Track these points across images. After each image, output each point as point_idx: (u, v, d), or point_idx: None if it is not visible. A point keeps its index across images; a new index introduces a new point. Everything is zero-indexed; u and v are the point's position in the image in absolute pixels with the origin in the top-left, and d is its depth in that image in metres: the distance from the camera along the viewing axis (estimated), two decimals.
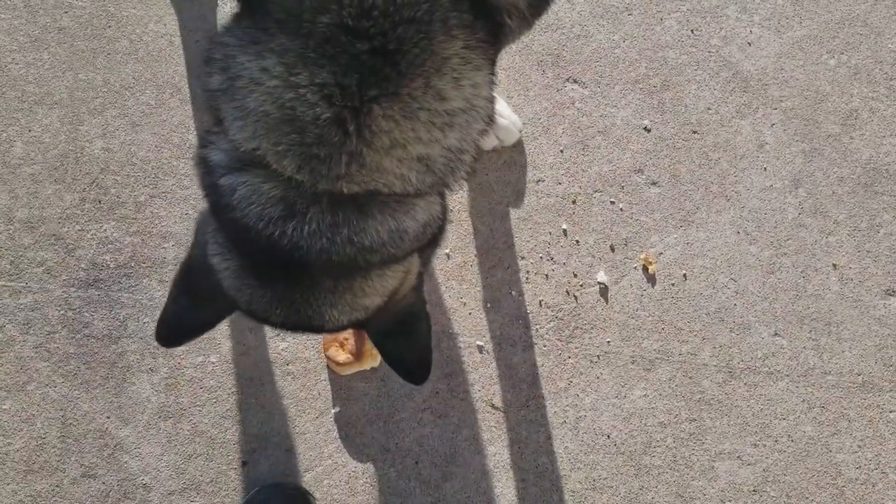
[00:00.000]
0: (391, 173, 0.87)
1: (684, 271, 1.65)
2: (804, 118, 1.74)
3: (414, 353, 1.08)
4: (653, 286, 1.64)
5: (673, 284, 1.64)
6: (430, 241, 1.01)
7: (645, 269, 1.64)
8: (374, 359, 1.52)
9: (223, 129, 0.89)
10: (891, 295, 1.67)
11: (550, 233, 1.65)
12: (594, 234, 1.66)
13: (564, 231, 1.65)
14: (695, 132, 1.72)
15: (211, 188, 0.93)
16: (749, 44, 1.76)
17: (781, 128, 1.73)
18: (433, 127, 0.86)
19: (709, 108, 1.73)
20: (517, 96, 1.71)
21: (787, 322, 1.63)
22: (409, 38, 0.81)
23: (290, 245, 0.88)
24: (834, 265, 1.67)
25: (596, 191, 1.68)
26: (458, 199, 1.65)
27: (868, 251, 1.68)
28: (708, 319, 1.63)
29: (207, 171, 0.93)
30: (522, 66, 1.72)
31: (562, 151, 1.69)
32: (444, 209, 1.03)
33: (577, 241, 1.65)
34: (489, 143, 1.61)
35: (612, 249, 1.65)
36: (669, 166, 1.70)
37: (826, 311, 1.64)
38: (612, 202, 1.68)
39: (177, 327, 1.06)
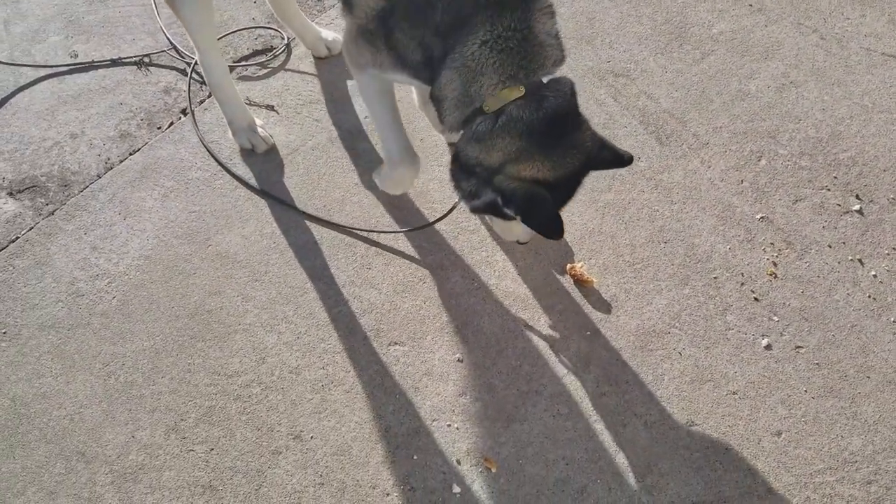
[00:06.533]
0: None
1: (521, 461, 1.97)
2: (576, 312, 2.19)
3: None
4: (499, 482, 1.95)
5: (515, 474, 1.96)
6: None
7: (489, 470, 1.96)
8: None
9: None
10: (693, 425, 2.01)
11: (406, 466, 1.98)
12: (441, 455, 1.99)
13: (416, 461, 1.98)
14: (498, 352, 2.15)
15: None
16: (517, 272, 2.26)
17: (561, 323, 2.17)
18: None
19: (501, 329, 2.17)
20: (353, 366, 2.13)
21: (613, 474, 1.94)
22: None
23: None
24: (635, 413, 2.02)
25: (434, 420, 2.05)
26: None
27: (661, 396, 2.05)
28: (551, 494, 1.92)
29: None
30: (350, 343, 2.17)
31: (397, 397, 2.08)
32: None
33: (428, 465, 1.98)
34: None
35: (459, 462, 1.98)
36: (486, 383, 2.10)
37: (643, 454, 1.96)
38: (449, 425, 2.04)
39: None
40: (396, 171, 2.23)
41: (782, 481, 1.90)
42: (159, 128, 2.76)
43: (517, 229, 2.01)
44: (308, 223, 2.43)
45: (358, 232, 2.40)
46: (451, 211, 2.33)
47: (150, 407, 2.10)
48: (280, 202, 2.49)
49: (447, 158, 2.53)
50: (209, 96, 2.81)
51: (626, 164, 1.77)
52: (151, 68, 2.95)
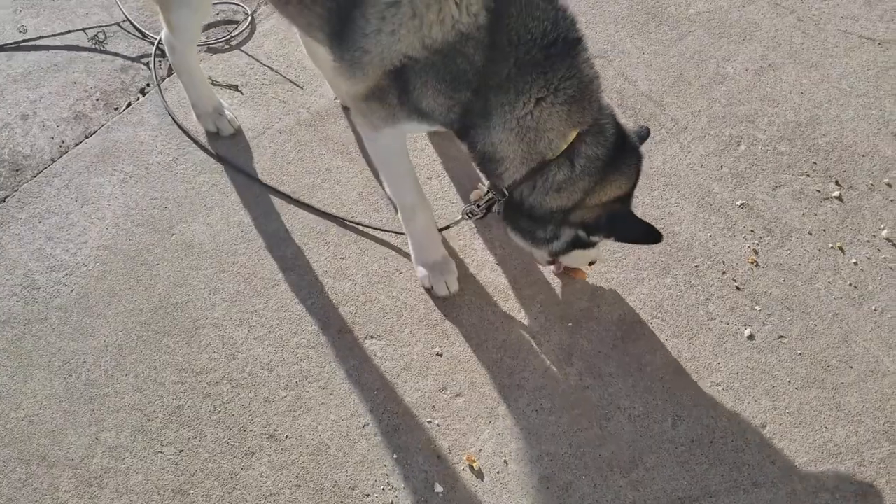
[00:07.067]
0: None
1: (504, 458, 1.92)
2: (557, 303, 2.14)
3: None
4: (482, 480, 1.90)
5: (498, 472, 1.91)
6: None
7: (471, 467, 1.91)
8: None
9: None
10: (678, 418, 1.98)
11: (385, 465, 1.92)
12: (422, 453, 1.93)
13: (396, 459, 1.92)
14: (478, 345, 2.08)
15: None
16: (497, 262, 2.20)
17: (542, 314, 2.12)
18: None
19: (481, 321, 2.11)
20: (328, 361, 2.05)
21: (598, 470, 1.90)
22: None
23: None
24: (619, 407, 1.98)
25: (414, 417, 1.99)
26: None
27: (644, 388, 2.02)
28: (535, 492, 1.88)
29: None
30: (325, 338, 2.08)
31: (375, 393, 2.01)
32: None
33: (409, 464, 1.91)
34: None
35: (441, 460, 1.92)
36: (466, 377, 2.04)
37: (627, 448, 1.93)
38: (430, 421, 1.98)
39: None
40: (417, 220, 2.06)
41: (768, 474, 1.88)
42: (116, 109, 2.62)
43: (593, 254, 1.96)
44: (280, 210, 2.33)
45: (351, 223, 2.30)
46: (448, 227, 2.20)
47: (115, 407, 2.00)
48: (266, 186, 2.38)
49: (422, 143, 2.44)
50: (169, 74, 2.68)
51: (647, 137, 1.85)
52: (107, 44, 2.79)
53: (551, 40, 1.54)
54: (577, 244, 1.82)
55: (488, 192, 1.85)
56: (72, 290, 2.19)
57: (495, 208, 1.86)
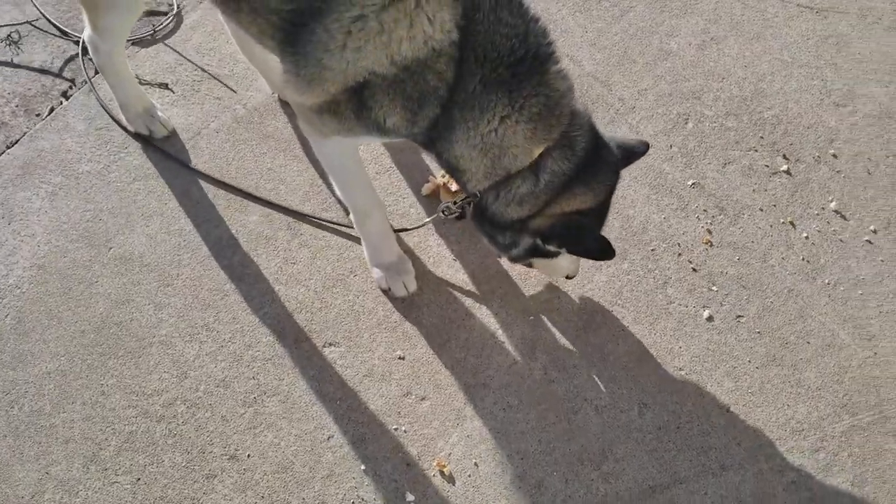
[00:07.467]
0: None
1: (474, 460, 1.90)
2: (517, 296, 2.11)
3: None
4: (454, 485, 1.87)
5: (469, 475, 1.88)
6: None
7: (442, 472, 1.88)
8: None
9: None
10: (644, 406, 1.98)
11: (354, 478, 1.87)
12: (390, 462, 1.89)
13: (364, 471, 1.87)
14: (440, 345, 2.04)
15: None
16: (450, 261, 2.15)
17: (503, 309, 2.08)
18: None
19: (441, 320, 2.07)
20: (286, 373, 1.98)
21: (569, 465, 1.89)
22: None
23: None
24: (585, 399, 1.97)
25: (379, 425, 1.94)
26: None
27: (609, 378, 2.01)
28: (508, 492, 1.86)
29: None
30: (281, 348, 2.01)
31: (338, 403, 1.95)
32: None
33: (377, 474, 1.87)
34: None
35: (410, 468, 1.88)
36: (430, 380, 2.00)
37: (596, 441, 1.92)
38: (396, 428, 1.93)
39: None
40: (371, 222, 2.00)
41: (735, 457, 1.90)
42: (38, 115, 2.46)
43: (564, 263, 1.90)
44: (224, 215, 2.23)
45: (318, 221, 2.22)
46: (408, 229, 2.17)
47: (63, 437, 1.90)
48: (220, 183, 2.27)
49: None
50: (95, 74, 2.52)
51: (646, 152, 1.78)
52: (22, 45, 2.61)
53: (518, 57, 1.48)
54: (536, 252, 1.77)
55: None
56: (6, 315, 2.06)
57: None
